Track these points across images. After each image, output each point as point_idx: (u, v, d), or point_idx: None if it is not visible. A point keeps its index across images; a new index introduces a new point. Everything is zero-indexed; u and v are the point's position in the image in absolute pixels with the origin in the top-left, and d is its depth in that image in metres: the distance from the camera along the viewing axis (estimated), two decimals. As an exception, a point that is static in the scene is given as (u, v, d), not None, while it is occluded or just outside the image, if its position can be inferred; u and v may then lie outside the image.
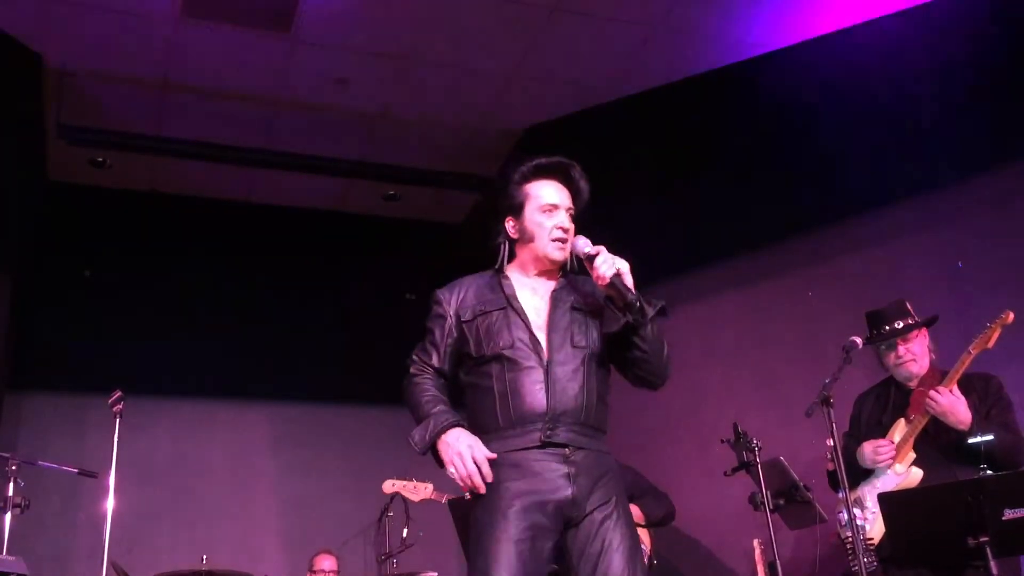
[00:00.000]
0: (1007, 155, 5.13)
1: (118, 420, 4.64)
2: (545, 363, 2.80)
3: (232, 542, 6.87)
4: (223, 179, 7.67)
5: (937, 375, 3.94)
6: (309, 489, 7.51)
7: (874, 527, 3.89)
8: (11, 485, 4.55)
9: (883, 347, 4.12)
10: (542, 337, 2.85)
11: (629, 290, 2.77)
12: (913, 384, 4.07)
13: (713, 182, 6.34)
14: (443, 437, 2.76)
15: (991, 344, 3.85)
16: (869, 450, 4.03)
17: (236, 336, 7.60)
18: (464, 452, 2.71)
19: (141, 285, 7.55)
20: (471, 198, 8.13)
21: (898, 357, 4.07)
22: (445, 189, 7.89)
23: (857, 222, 5.73)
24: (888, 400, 4.14)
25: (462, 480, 2.72)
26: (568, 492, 2.70)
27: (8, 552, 4.40)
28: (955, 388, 3.87)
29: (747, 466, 4.45)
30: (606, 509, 2.73)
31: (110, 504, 4.51)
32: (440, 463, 2.78)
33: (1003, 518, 3.22)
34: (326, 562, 6.57)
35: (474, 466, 2.70)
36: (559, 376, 2.79)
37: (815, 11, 5.82)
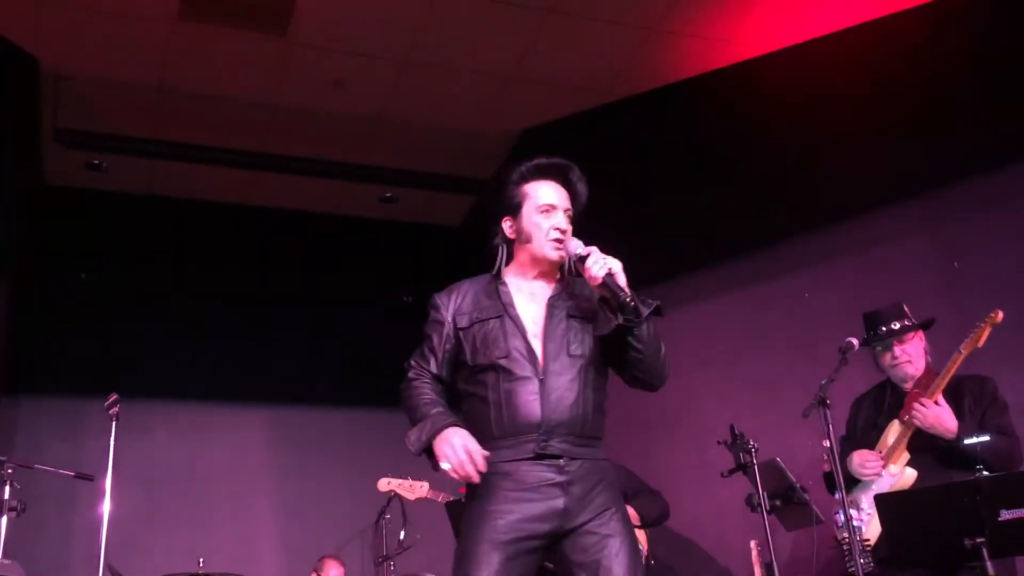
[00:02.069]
0: (1004, 156, 5.13)
1: (115, 423, 4.63)
2: (541, 373, 2.78)
3: (229, 545, 6.87)
4: (220, 182, 7.67)
5: (932, 377, 3.94)
6: (306, 492, 7.50)
7: (870, 528, 3.89)
8: (7, 488, 4.53)
9: (879, 348, 4.12)
10: (538, 346, 2.83)
11: (622, 289, 2.73)
12: (908, 386, 4.07)
13: (709, 184, 6.34)
14: (439, 437, 2.73)
15: (981, 343, 3.85)
16: (857, 462, 4.04)
17: (233, 339, 7.60)
18: (456, 443, 2.68)
19: (138, 288, 7.54)
20: (468, 200, 8.13)
21: (894, 358, 4.07)
22: (442, 192, 7.90)
23: (854, 224, 5.73)
24: (884, 402, 4.14)
25: (455, 470, 2.68)
26: (560, 503, 2.68)
27: (4, 556, 4.39)
28: (940, 398, 3.87)
29: (744, 467, 4.46)
30: (603, 517, 2.71)
31: (107, 508, 4.50)
32: (435, 466, 2.75)
33: (1000, 519, 3.21)
34: (334, 570, 6.52)
35: (466, 455, 2.66)
36: (554, 387, 2.77)
37: (811, 12, 5.83)
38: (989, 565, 3.22)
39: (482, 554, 2.60)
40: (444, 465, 2.70)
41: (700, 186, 6.38)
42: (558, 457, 2.71)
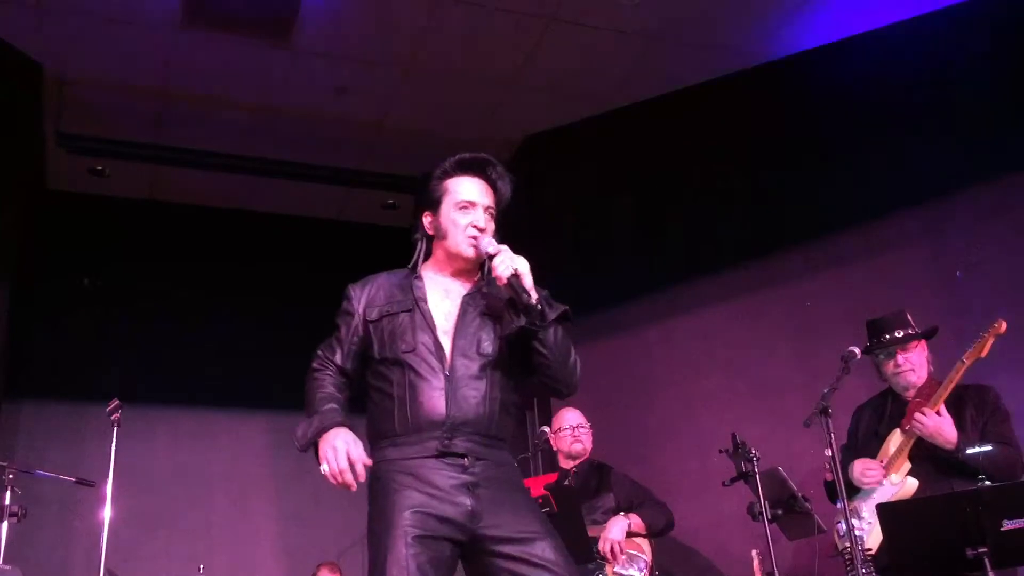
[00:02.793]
0: (1007, 165, 5.14)
1: (116, 429, 4.63)
2: (447, 370, 2.72)
3: (229, 552, 6.86)
4: (222, 188, 7.67)
5: (934, 386, 3.93)
6: (306, 498, 7.48)
7: (872, 537, 3.88)
8: (8, 494, 4.53)
9: (881, 356, 4.12)
10: (446, 342, 2.77)
11: (526, 291, 2.66)
12: (910, 394, 4.06)
13: (710, 190, 6.34)
14: (324, 435, 2.67)
15: (984, 353, 3.85)
16: (858, 471, 4.03)
17: (234, 345, 7.59)
18: (339, 447, 2.61)
19: (139, 294, 7.54)
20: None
21: (897, 366, 4.07)
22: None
23: (857, 232, 5.73)
24: (885, 411, 4.14)
25: (332, 477, 2.61)
26: (467, 503, 2.61)
27: (5, 562, 4.39)
28: (942, 408, 3.86)
29: (745, 476, 4.44)
30: (539, 541, 2.60)
31: (107, 513, 4.50)
32: (320, 462, 2.67)
33: (1002, 529, 3.21)
34: (330, 577, 6.52)
35: (347, 463, 2.59)
36: (460, 384, 2.71)
37: (814, 20, 5.83)
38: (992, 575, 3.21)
39: (398, 556, 2.52)
40: (323, 468, 2.63)
41: (702, 194, 6.38)
42: (462, 456, 2.65)
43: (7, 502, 4.52)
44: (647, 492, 5.31)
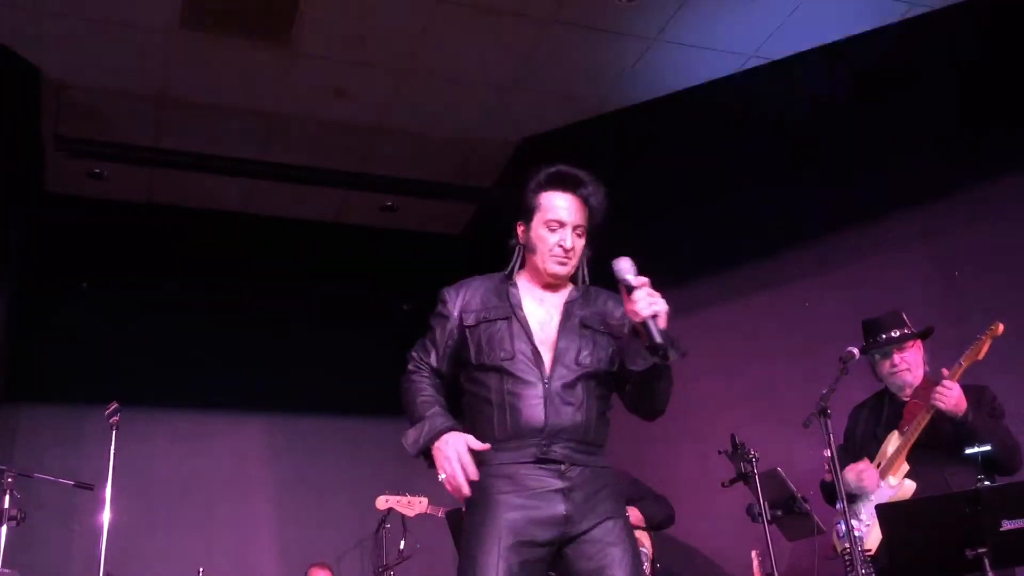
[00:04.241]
0: (1004, 166, 5.14)
1: (115, 432, 4.62)
2: (546, 379, 2.75)
3: (229, 554, 6.86)
4: (221, 190, 7.67)
5: (930, 387, 3.93)
6: (306, 501, 7.50)
7: (871, 538, 3.88)
8: (7, 497, 4.53)
9: (878, 356, 4.12)
10: (544, 351, 2.80)
11: (661, 333, 2.64)
12: (906, 394, 4.07)
13: (709, 193, 6.35)
14: (437, 442, 2.68)
15: (981, 356, 3.85)
16: (852, 477, 4.03)
17: (233, 348, 7.59)
18: (451, 456, 2.62)
19: (139, 297, 7.55)
20: (468, 209, 8.14)
21: (893, 366, 4.07)
22: (442, 200, 7.90)
23: (855, 232, 5.74)
24: (882, 413, 4.14)
25: (448, 482, 2.64)
26: (562, 508, 2.66)
27: (4, 565, 4.39)
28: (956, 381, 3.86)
29: (745, 477, 4.46)
30: (606, 525, 2.69)
31: (107, 517, 4.50)
32: (432, 465, 2.70)
33: (1001, 529, 3.21)
34: (321, 576, 6.56)
35: (460, 467, 2.61)
36: (558, 393, 2.73)
37: (809, 23, 5.83)
38: None
39: (488, 561, 2.57)
40: (440, 477, 2.66)
41: (700, 196, 6.39)
42: (559, 463, 2.69)
43: (6, 505, 4.51)
44: (647, 488, 5.32)
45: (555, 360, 2.79)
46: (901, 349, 4.07)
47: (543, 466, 2.69)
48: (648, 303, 2.66)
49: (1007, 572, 3.55)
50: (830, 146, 5.84)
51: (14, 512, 4.52)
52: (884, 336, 4.07)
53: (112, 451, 4.56)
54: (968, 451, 3.76)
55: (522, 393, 2.74)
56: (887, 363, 4.09)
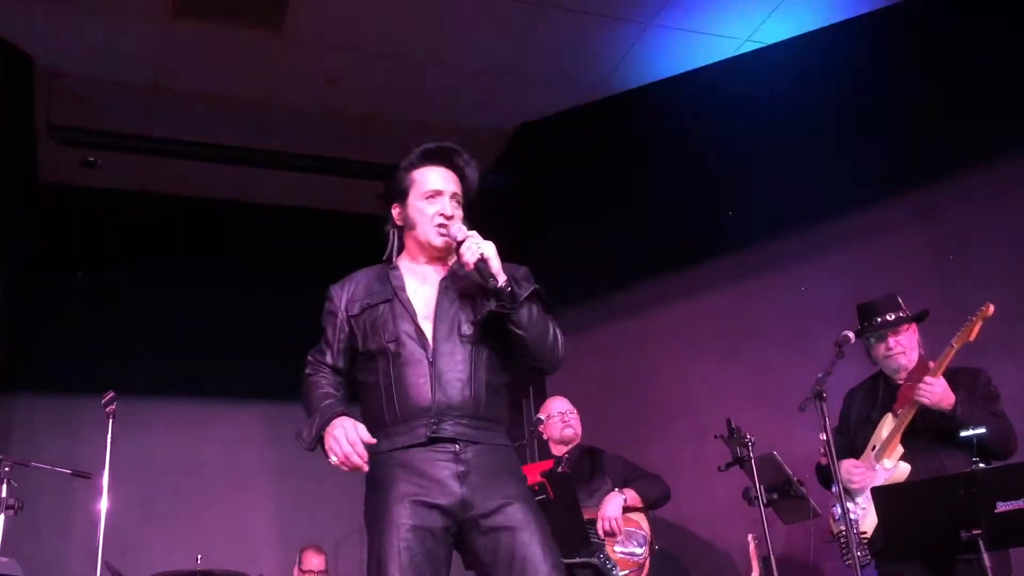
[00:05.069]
0: (999, 149, 5.14)
1: (111, 421, 4.62)
2: (430, 355, 2.72)
3: (227, 542, 6.87)
4: (215, 179, 7.66)
5: (925, 369, 3.94)
6: (304, 488, 7.50)
7: (866, 521, 3.90)
8: (4, 486, 4.52)
9: (872, 339, 4.12)
10: (428, 328, 2.77)
11: (492, 276, 2.67)
12: (901, 377, 4.08)
13: (705, 176, 6.34)
14: (327, 429, 2.67)
15: (973, 337, 3.85)
16: (844, 477, 4.02)
17: (229, 336, 7.59)
18: (339, 435, 2.62)
19: (133, 285, 7.54)
20: (464, 196, 8.13)
21: (888, 349, 4.07)
22: (438, 187, 7.88)
23: (849, 216, 5.74)
24: (877, 396, 4.15)
25: (342, 465, 2.63)
26: (458, 492, 2.62)
27: (2, 554, 4.39)
28: (940, 376, 3.87)
29: (741, 461, 4.46)
30: (508, 511, 2.62)
31: (104, 505, 4.50)
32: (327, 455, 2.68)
33: (996, 511, 3.23)
34: (314, 560, 6.56)
35: (350, 446, 2.60)
36: (445, 368, 2.70)
37: (804, 6, 5.83)
38: (986, 557, 3.23)
39: (390, 552, 2.55)
40: (332, 459, 2.65)
41: (697, 180, 6.38)
42: (453, 441, 2.65)
43: (3, 495, 4.51)
44: (640, 468, 5.33)
45: (437, 335, 2.76)
46: (896, 332, 4.07)
47: (436, 447, 2.65)
48: (473, 250, 2.70)
49: (1001, 554, 3.57)
50: (824, 128, 5.83)
51: (11, 501, 4.52)
52: (879, 319, 4.07)
53: (108, 440, 4.56)
54: (963, 434, 3.77)
55: (408, 373, 2.71)
56: (882, 346, 4.10)
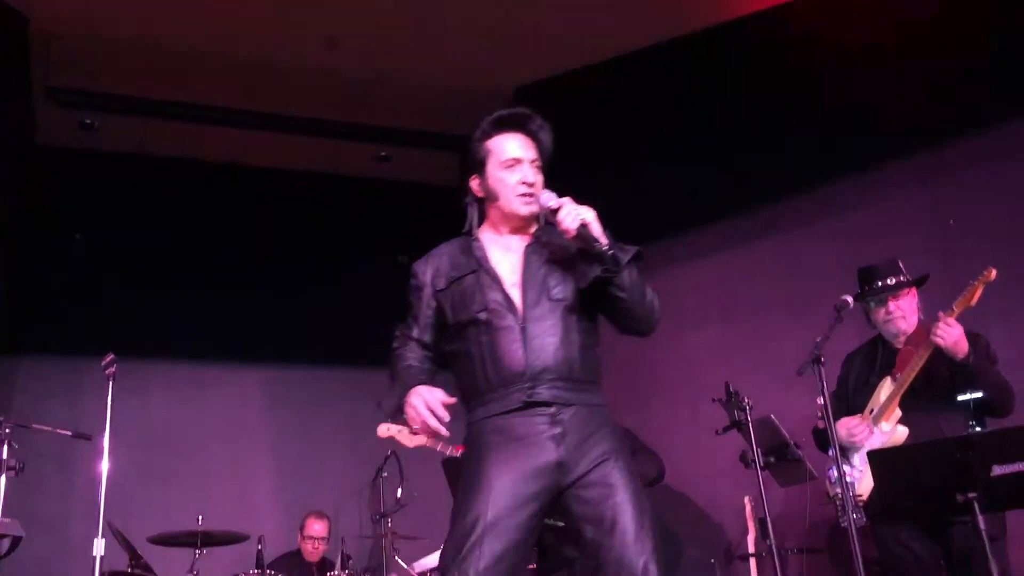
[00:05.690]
0: (999, 114, 5.12)
1: (111, 383, 4.63)
2: (521, 321, 2.73)
3: (228, 503, 6.91)
4: (213, 141, 7.62)
5: (924, 334, 3.95)
6: (303, 451, 7.55)
7: (863, 484, 3.92)
8: (5, 448, 4.54)
9: (872, 303, 4.13)
10: (516, 295, 2.77)
11: (596, 240, 2.67)
12: (900, 342, 4.09)
13: (705, 141, 6.32)
14: (406, 398, 2.72)
15: (974, 302, 3.85)
16: (844, 434, 4.05)
17: (228, 298, 7.58)
18: (416, 402, 2.66)
19: (132, 248, 7.52)
20: (463, 159, 8.09)
21: (888, 313, 4.08)
22: (437, 150, 7.86)
23: (849, 181, 5.73)
24: (876, 359, 4.16)
25: (421, 431, 2.69)
26: (554, 455, 2.62)
27: (4, 515, 4.41)
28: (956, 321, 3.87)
29: (738, 425, 4.49)
30: (604, 467, 2.65)
31: (105, 467, 4.52)
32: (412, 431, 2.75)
33: (992, 474, 3.24)
34: (316, 526, 6.62)
35: (426, 411, 2.63)
36: (536, 332, 2.71)
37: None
38: (981, 519, 3.25)
39: (480, 516, 2.56)
40: (414, 427, 2.70)
41: (695, 144, 6.36)
42: (548, 404, 2.66)
43: (5, 456, 4.52)
44: (639, 442, 5.35)
45: (527, 301, 2.76)
46: (896, 297, 4.08)
47: (532, 412, 2.66)
48: (573, 216, 2.69)
49: (996, 516, 3.60)
50: (825, 93, 5.80)
51: (13, 462, 4.54)
52: (879, 283, 4.08)
53: (109, 402, 4.57)
54: (960, 397, 3.79)
55: (500, 340, 2.72)
56: (882, 310, 4.10)
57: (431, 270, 2.93)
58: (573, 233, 2.69)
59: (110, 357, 4.67)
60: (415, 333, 2.93)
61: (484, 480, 2.61)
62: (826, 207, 5.80)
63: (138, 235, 7.54)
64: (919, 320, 4.10)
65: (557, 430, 2.65)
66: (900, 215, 5.47)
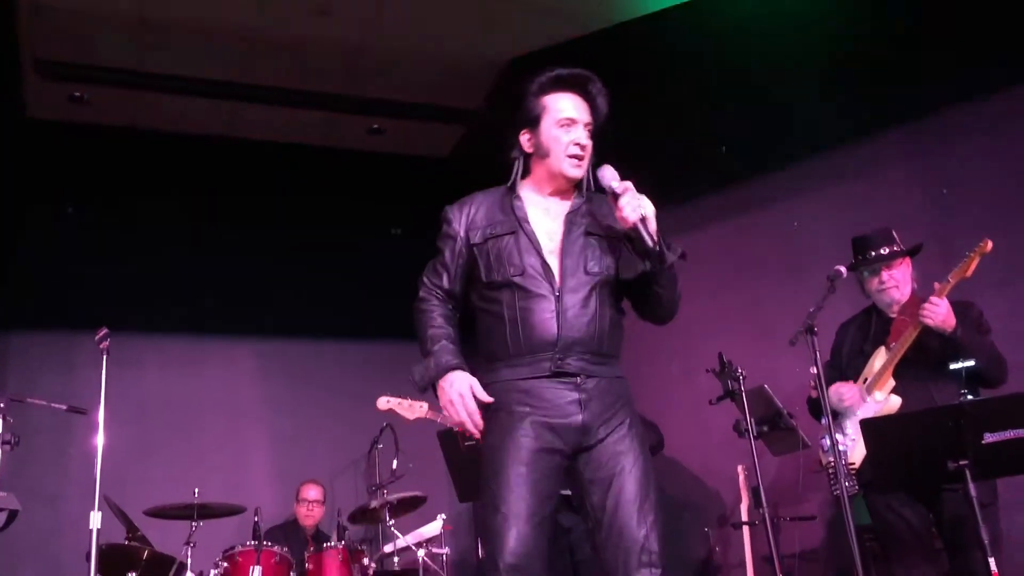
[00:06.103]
0: (993, 83, 5.11)
1: (105, 357, 4.63)
2: (557, 291, 2.74)
3: (223, 476, 6.94)
4: (204, 114, 7.57)
5: (918, 304, 3.95)
6: (299, 422, 7.57)
7: (855, 452, 3.95)
8: (0, 422, 4.56)
9: (866, 273, 4.13)
10: (554, 263, 2.78)
11: (651, 237, 2.68)
12: (894, 311, 4.10)
13: (699, 112, 6.31)
14: (442, 380, 2.75)
15: (969, 273, 3.86)
16: (835, 398, 4.06)
17: (222, 271, 7.58)
18: (456, 400, 2.71)
19: (124, 221, 7.51)
20: (456, 131, 8.05)
21: (881, 283, 4.09)
22: (430, 122, 7.82)
23: (842, 151, 5.72)
24: (870, 329, 4.17)
25: (456, 425, 2.74)
26: (579, 418, 2.68)
27: (0, 489, 4.44)
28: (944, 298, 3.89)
29: (732, 394, 4.51)
30: (618, 433, 2.71)
31: (100, 440, 4.53)
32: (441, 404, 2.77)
33: (983, 442, 3.28)
34: (311, 491, 6.72)
35: (466, 415, 2.70)
36: (570, 304, 2.73)
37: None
38: (972, 487, 3.29)
39: (510, 474, 2.62)
40: (447, 415, 2.75)
41: (690, 115, 6.34)
42: (575, 375, 2.70)
43: (0, 430, 4.54)
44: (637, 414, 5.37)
45: (564, 271, 2.77)
46: (889, 266, 4.08)
47: (559, 379, 2.70)
48: (634, 207, 2.69)
49: (987, 483, 3.63)
50: (820, 63, 5.78)
51: (8, 436, 4.55)
52: (873, 253, 4.08)
53: (103, 376, 4.57)
54: (953, 366, 3.80)
55: (534, 307, 2.74)
56: (875, 280, 4.11)
57: (466, 218, 2.91)
58: (630, 224, 2.69)
59: (103, 331, 4.66)
60: (444, 282, 2.91)
61: (514, 440, 2.66)
62: (820, 176, 5.79)
63: (129, 208, 7.53)
64: (913, 289, 4.10)
65: (582, 395, 2.70)
66: (893, 184, 5.47)
